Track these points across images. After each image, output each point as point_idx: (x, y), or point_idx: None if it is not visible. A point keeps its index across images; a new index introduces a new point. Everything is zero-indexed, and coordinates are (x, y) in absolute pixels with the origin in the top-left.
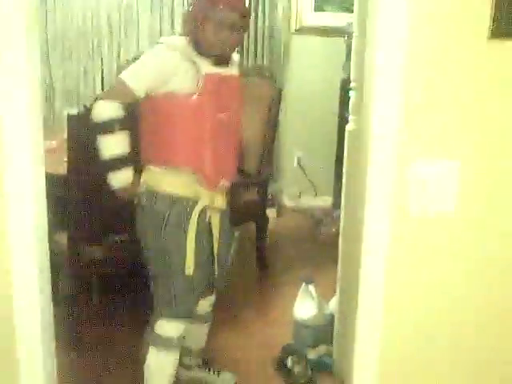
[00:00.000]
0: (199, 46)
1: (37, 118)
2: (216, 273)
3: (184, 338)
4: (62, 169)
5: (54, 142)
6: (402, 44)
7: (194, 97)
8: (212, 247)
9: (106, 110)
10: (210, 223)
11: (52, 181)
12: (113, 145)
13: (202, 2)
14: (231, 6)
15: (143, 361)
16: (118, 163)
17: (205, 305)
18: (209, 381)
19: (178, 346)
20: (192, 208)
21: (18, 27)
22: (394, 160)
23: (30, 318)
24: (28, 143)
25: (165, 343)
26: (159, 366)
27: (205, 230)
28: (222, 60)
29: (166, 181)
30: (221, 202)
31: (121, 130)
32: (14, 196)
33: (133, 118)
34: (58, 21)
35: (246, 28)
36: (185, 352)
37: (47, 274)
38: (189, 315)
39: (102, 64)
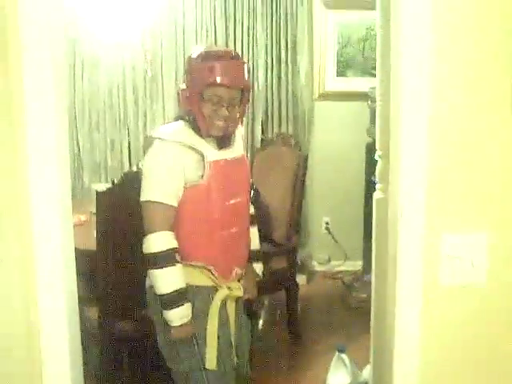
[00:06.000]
0: (198, 128)
1: (65, 193)
2: (236, 363)
3: None
4: (91, 243)
5: (82, 217)
6: (427, 112)
7: (201, 186)
8: (230, 336)
9: (161, 241)
10: (226, 311)
11: (81, 256)
12: (174, 278)
13: (197, 79)
14: (229, 81)
15: None
16: (180, 298)
17: None
18: None
19: None
20: (213, 296)
21: (48, 96)
22: (422, 230)
23: None
24: (57, 218)
25: None
26: None
27: (223, 318)
28: (225, 141)
29: (186, 272)
30: (238, 289)
31: (177, 262)
32: (44, 272)
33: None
34: (86, 93)
35: (247, 101)
36: None
37: (78, 349)
38: None
39: (128, 135)
